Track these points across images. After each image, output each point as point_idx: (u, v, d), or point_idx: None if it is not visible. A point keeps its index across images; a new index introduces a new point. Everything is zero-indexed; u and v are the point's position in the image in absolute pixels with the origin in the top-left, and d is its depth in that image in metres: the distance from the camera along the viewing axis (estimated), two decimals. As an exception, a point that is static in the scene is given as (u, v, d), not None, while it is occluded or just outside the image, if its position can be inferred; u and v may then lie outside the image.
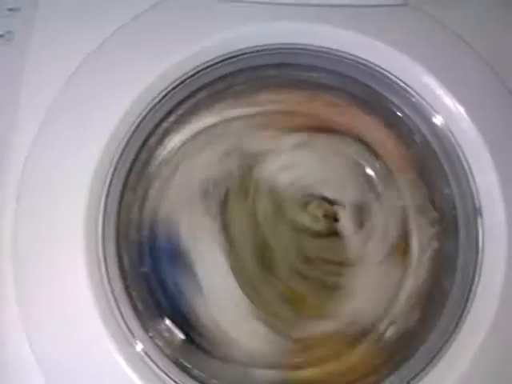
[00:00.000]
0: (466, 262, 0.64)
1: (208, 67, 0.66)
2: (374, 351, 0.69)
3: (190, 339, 0.69)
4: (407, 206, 0.73)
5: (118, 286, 0.64)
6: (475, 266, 0.62)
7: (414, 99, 0.65)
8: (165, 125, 0.71)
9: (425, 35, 0.64)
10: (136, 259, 0.69)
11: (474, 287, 0.61)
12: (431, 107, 0.64)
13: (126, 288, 0.65)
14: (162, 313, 0.68)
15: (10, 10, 0.68)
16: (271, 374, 0.68)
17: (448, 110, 0.63)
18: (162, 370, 0.62)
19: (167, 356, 0.65)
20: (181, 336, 0.69)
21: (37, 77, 0.65)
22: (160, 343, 0.65)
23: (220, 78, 0.69)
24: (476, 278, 0.61)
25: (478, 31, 0.65)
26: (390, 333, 0.70)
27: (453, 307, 0.62)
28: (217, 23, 0.64)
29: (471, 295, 0.60)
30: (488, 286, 0.60)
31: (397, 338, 0.68)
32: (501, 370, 0.59)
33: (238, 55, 0.66)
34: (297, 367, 0.69)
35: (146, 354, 0.62)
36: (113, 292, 0.62)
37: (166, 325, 0.68)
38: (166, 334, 0.68)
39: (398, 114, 0.69)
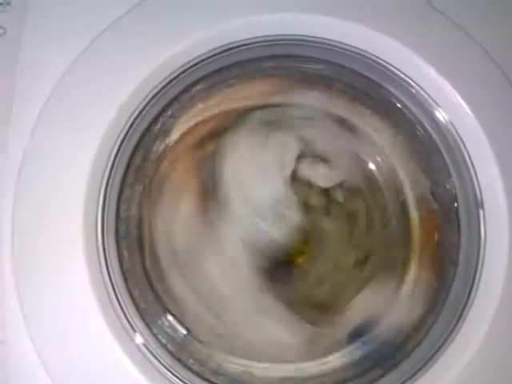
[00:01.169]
0: (467, 254, 0.63)
1: (203, 60, 0.65)
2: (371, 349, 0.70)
3: (192, 334, 0.69)
4: (408, 198, 0.73)
5: (120, 283, 0.64)
6: (477, 259, 0.61)
7: (413, 90, 0.64)
8: (162, 119, 0.70)
9: (427, 27, 0.63)
10: (137, 256, 0.69)
11: (476, 280, 0.61)
12: (432, 100, 0.63)
13: (127, 285, 0.65)
14: (163, 309, 0.69)
15: (1, 4, 0.66)
16: (272, 369, 0.68)
17: (449, 103, 0.62)
18: (165, 367, 0.62)
19: (170, 352, 0.65)
20: (183, 331, 0.69)
21: (30, 73, 0.64)
22: (163, 339, 0.66)
23: (215, 72, 0.67)
24: (478, 272, 0.61)
25: (480, 24, 0.63)
26: (388, 330, 0.71)
27: (454, 302, 0.62)
28: (211, 16, 0.63)
29: (473, 289, 0.60)
30: (490, 280, 0.60)
31: (396, 335, 0.69)
32: (501, 366, 0.59)
33: (233, 47, 0.64)
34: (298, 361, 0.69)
35: (149, 350, 0.62)
36: (114, 289, 0.62)
37: (168, 321, 0.69)
38: (169, 330, 0.68)
39: (398, 105, 0.68)
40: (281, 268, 0.74)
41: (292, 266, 0.75)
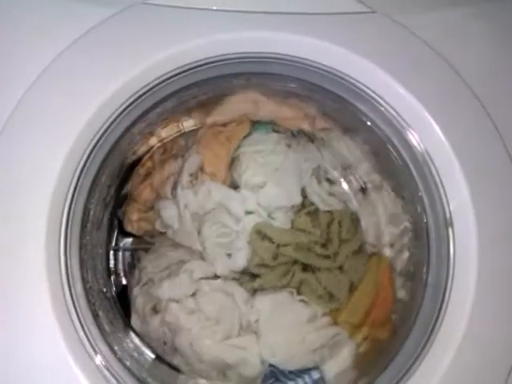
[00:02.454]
0: (437, 271, 0.64)
1: (174, 76, 0.64)
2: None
3: (159, 358, 0.67)
4: (380, 216, 0.73)
5: (83, 306, 0.61)
6: (447, 277, 0.61)
7: (383, 109, 0.64)
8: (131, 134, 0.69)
9: (395, 44, 0.63)
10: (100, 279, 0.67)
11: (446, 297, 0.61)
12: (403, 119, 0.63)
13: (92, 308, 0.62)
14: (128, 332, 0.67)
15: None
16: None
17: (420, 124, 0.62)
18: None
19: (136, 377, 0.63)
20: (150, 355, 0.67)
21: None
22: (128, 364, 0.63)
23: (185, 88, 0.66)
24: (448, 289, 0.61)
25: (444, 38, 0.64)
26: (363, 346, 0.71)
27: (425, 319, 0.62)
28: (184, 32, 0.62)
29: (443, 307, 0.60)
30: (459, 297, 0.60)
31: (369, 350, 0.69)
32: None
33: (204, 64, 0.63)
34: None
35: (113, 375, 0.59)
36: (77, 313, 0.59)
37: (134, 344, 0.67)
38: (135, 354, 0.66)
39: (368, 123, 0.68)
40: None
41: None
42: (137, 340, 0.70)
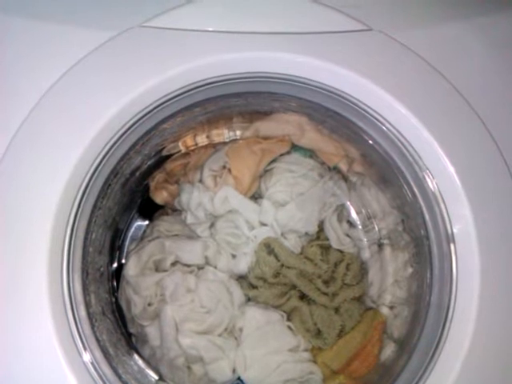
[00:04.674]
0: (440, 289, 0.63)
1: (172, 98, 0.64)
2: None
3: (162, 379, 0.67)
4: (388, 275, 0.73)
5: (87, 330, 0.61)
6: (450, 293, 0.61)
7: (385, 128, 0.64)
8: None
9: (391, 61, 0.63)
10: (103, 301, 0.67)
11: (449, 316, 0.60)
12: (403, 136, 0.63)
13: (94, 331, 0.62)
14: (132, 354, 0.67)
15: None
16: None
17: (422, 142, 0.62)
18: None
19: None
20: (154, 376, 0.67)
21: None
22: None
23: (184, 109, 0.66)
24: (451, 307, 0.60)
25: (441, 53, 0.64)
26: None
27: (428, 338, 0.62)
28: (181, 53, 0.62)
29: (446, 324, 0.60)
30: (462, 315, 0.60)
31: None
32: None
33: (202, 85, 0.64)
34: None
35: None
36: (80, 335, 0.59)
37: (138, 366, 0.67)
38: (139, 376, 0.66)
39: (370, 142, 0.68)
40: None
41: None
42: (140, 362, 0.70)
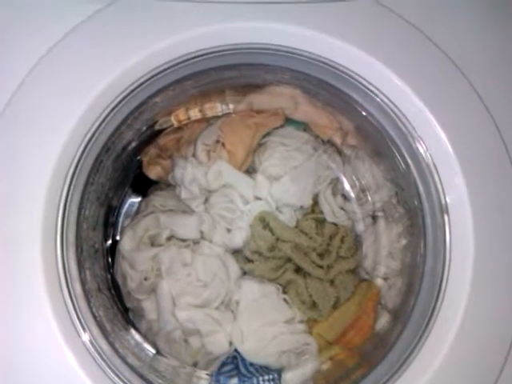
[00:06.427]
0: (434, 259, 0.63)
1: (164, 70, 0.63)
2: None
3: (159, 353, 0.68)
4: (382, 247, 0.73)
5: (83, 305, 0.61)
6: (443, 264, 0.61)
7: (378, 99, 0.63)
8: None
9: (383, 30, 0.63)
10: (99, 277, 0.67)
11: (442, 285, 0.61)
12: (397, 108, 0.63)
13: (90, 307, 0.62)
14: (129, 329, 0.67)
15: None
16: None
17: (415, 111, 0.61)
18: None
19: (138, 373, 0.63)
20: (152, 350, 0.68)
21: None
22: (130, 361, 0.64)
23: (175, 82, 0.65)
24: (445, 277, 0.61)
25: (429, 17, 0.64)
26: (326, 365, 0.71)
27: (422, 307, 0.62)
28: (173, 25, 0.61)
29: (440, 294, 0.60)
30: (456, 285, 0.60)
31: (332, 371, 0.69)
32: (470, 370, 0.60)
33: (195, 57, 0.63)
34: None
35: (115, 373, 0.60)
36: (77, 312, 0.59)
37: (135, 340, 0.67)
38: (136, 350, 0.66)
39: (363, 113, 0.67)
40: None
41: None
42: (137, 336, 0.70)
